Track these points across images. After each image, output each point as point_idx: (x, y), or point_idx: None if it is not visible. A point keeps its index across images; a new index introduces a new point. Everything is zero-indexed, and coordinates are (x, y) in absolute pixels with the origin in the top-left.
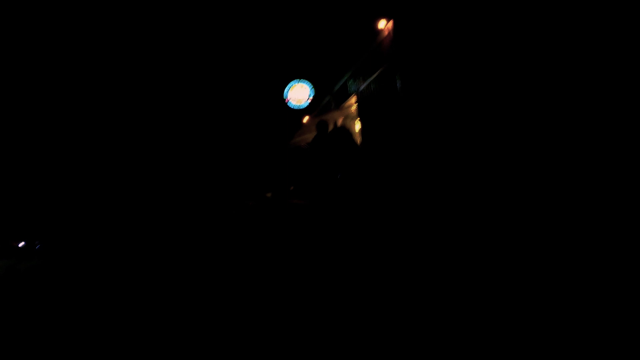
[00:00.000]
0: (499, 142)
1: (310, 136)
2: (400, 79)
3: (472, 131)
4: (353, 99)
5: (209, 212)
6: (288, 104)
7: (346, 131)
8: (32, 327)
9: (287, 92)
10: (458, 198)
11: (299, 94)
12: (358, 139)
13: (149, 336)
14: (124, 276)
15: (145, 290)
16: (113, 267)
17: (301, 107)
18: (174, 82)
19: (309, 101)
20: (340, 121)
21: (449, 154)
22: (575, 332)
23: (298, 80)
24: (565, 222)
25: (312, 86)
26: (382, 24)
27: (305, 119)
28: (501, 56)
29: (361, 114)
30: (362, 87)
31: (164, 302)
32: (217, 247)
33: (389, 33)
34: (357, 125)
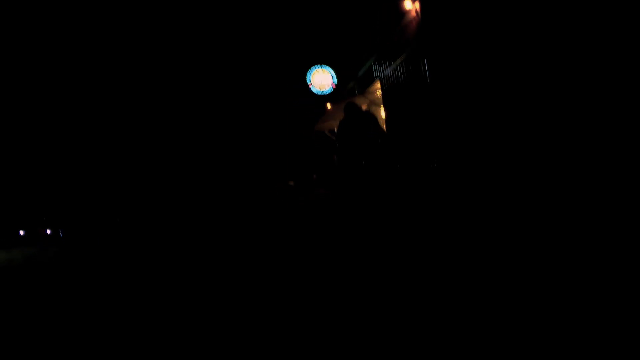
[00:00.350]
0: (534, 137)
1: (333, 123)
2: (427, 64)
3: (504, 122)
4: (378, 85)
5: (229, 201)
6: (311, 89)
7: (371, 118)
8: (33, 323)
9: (310, 77)
10: (486, 192)
11: (321, 79)
12: (383, 127)
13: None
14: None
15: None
16: (133, 256)
17: (324, 93)
18: (195, 68)
19: (332, 87)
20: (365, 108)
21: (479, 145)
22: (575, 332)
23: (320, 65)
24: (570, 221)
25: (334, 72)
26: (409, 4)
27: (329, 106)
28: (542, 44)
29: (386, 100)
30: (387, 72)
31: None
32: (235, 238)
33: (416, 14)
34: (382, 112)
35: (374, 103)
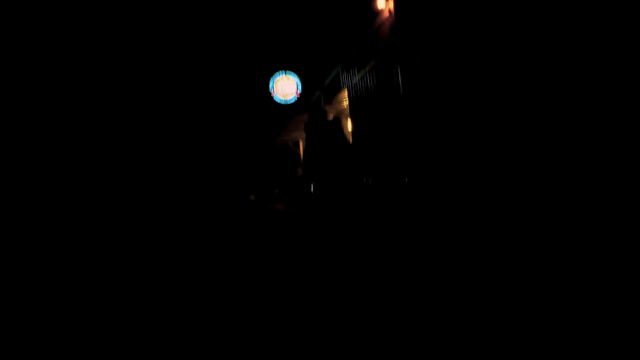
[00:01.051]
0: (515, 154)
1: (297, 135)
2: (400, 71)
3: (485, 136)
4: (345, 94)
5: (185, 214)
6: (273, 97)
7: (337, 131)
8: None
9: (272, 84)
10: (462, 209)
11: (285, 87)
12: (349, 139)
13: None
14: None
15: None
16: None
17: (288, 102)
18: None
19: (297, 96)
20: (331, 118)
21: (454, 158)
22: (575, 332)
23: (284, 72)
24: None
25: (299, 79)
26: (382, 3)
27: (294, 116)
28: (530, 49)
29: (353, 111)
30: (355, 80)
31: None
32: (191, 253)
33: (389, 14)
34: (349, 124)
35: (342, 114)
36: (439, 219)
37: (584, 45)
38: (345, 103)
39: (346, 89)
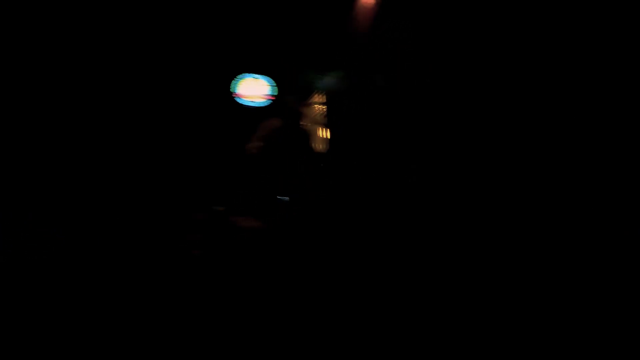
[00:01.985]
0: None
1: (266, 142)
2: (382, 72)
3: (478, 136)
4: (318, 98)
5: (149, 224)
6: (238, 100)
7: (306, 139)
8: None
9: (237, 85)
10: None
11: (251, 89)
12: (320, 148)
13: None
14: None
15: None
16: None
17: (256, 105)
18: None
19: (268, 99)
20: (300, 126)
21: (443, 162)
22: (575, 332)
23: (251, 74)
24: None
25: (271, 80)
26: None
27: (262, 121)
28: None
29: (328, 116)
30: (329, 82)
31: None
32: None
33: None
34: (321, 131)
35: (314, 120)
36: (429, 226)
37: (585, 40)
38: (319, 107)
39: (320, 92)
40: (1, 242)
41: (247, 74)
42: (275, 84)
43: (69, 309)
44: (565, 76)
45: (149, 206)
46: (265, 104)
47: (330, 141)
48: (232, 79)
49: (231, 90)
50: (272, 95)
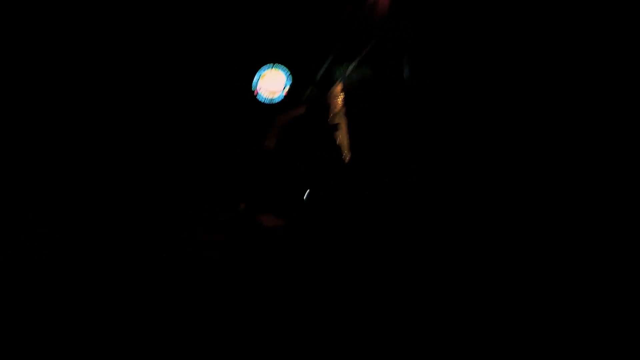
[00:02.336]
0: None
1: (285, 137)
2: (405, 55)
3: (510, 129)
4: (339, 88)
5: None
6: (258, 96)
7: (329, 131)
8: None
9: (257, 81)
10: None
11: (272, 83)
12: (345, 142)
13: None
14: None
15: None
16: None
17: (275, 101)
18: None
19: (285, 93)
20: (323, 118)
21: (470, 157)
22: (575, 332)
23: (271, 65)
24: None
25: (288, 73)
26: None
27: (281, 115)
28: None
29: (348, 107)
30: (350, 70)
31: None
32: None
33: None
34: (344, 123)
35: (337, 112)
36: (451, 223)
37: (585, 40)
38: (340, 99)
39: (341, 83)
40: (1, 242)
41: (265, 66)
42: (291, 76)
43: (69, 309)
44: (565, 76)
45: (150, 206)
46: (283, 98)
47: (351, 132)
48: (251, 73)
49: (252, 87)
50: (289, 88)
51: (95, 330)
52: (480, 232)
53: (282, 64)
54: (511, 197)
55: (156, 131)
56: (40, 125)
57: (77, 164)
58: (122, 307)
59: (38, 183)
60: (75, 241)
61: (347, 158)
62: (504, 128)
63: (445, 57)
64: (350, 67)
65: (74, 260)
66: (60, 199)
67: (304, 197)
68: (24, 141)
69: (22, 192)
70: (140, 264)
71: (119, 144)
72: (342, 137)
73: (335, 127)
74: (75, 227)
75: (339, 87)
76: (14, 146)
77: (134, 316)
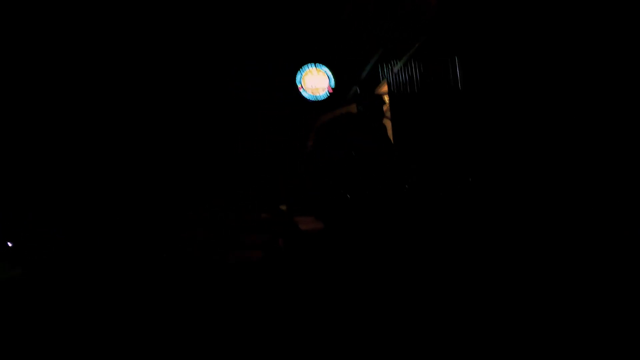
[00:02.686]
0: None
1: (329, 137)
2: (455, 55)
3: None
4: (385, 88)
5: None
6: (301, 93)
7: (375, 133)
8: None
9: (300, 78)
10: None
11: (315, 81)
12: (389, 141)
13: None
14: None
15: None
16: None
17: (319, 99)
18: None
19: (329, 92)
20: (368, 117)
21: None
22: (575, 332)
23: (313, 64)
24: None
25: (331, 72)
26: None
27: (324, 115)
28: None
29: (394, 107)
30: (396, 69)
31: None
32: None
33: None
34: (389, 123)
35: (382, 111)
36: (512, 227)
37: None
38: (386, 98)
39: (386, 81)
40: (1, 242)
41: (309, 65)
42: (333, 76)
43: (69, 309)
44: (565, 76)
45: (150, 206)
46: (326, 97)
47: (395, 134)
48: (294, 71)
49: (296, 83)
50: (333, 88)
51: (96, 330)
52: (481, 232)
53: (326, 63)
54: (506, 196)
55: (156, 132)
56: (40, 125)
57: (77, 165)
58: (122, 307)
59: (38, 183)
60: (75, 241)
61: (392, 158)
62: (489, 130)
63: (499, 59)
64: (398, 66)
65: (74, 260)
66: (60, 199)
67: (347, 198)
68: (24, 141)
69: (22, 192)
70: (140, 264)
71: (119, 144)
72: (388, 136)
73: (380, 127)
74: (75, 227)
75: (384, 87)
76: (14, 146)
77: (134, 316)
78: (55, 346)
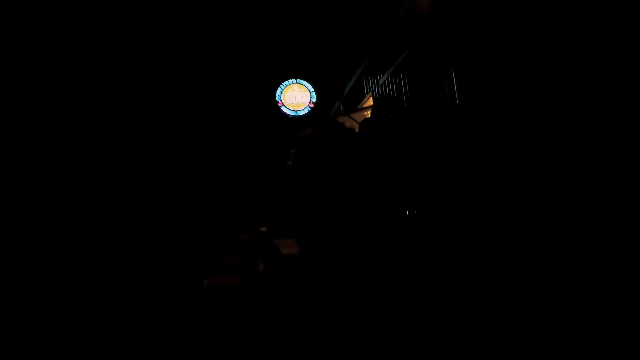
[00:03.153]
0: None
1: (306, 151)
2: (453, 67)
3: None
4: (370, 101)
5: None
6: (281, 109)
7: (358, 146)
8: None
9: (280, 93)
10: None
11: (295, 97)
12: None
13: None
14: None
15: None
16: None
17: (299, 115)
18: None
19: (310, 106)
20: (351, 132)
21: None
22: (575, 332)
23: (295, 80)
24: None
25: (313, 87)
26: None
27: (305, 131)
28: None
29: (377, 120)
30: (381, 81)
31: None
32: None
33: None
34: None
35: (365, 125)
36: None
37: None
38: (368, 112)
39: (371, 95)
40: (1, 242)
41: (289, 80)
42: (315, 90)
43: (69, 309)
44: (565, 77)
45: (150, 206)
46: (307, 112)
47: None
48: (274, 85)
49: (276, 99)
50: (314, 102)
51: (96, 329)
52: (481, 232)
53: (306, 78)
54: (506, 196)
55: (156, 132)
56: (40, 125)
57: (77, 165)
58: (122, 307)
59: (38, 183)
60: (75, 241)
61: (378, 173)
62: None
63: (498, 71)
64: (383, 78)
65: (74, 260)
66: (60, 199)
67: (329, 219)
68: (24, 141)
69: (22, 192)
70: (140, 263)
71: (119, 144)
72: (371, 151)
73: (365, 142)
74: (75, 227)
75: (370, 100)
76: (14, 146)
77: (134, 316)
78: (55, 346)
